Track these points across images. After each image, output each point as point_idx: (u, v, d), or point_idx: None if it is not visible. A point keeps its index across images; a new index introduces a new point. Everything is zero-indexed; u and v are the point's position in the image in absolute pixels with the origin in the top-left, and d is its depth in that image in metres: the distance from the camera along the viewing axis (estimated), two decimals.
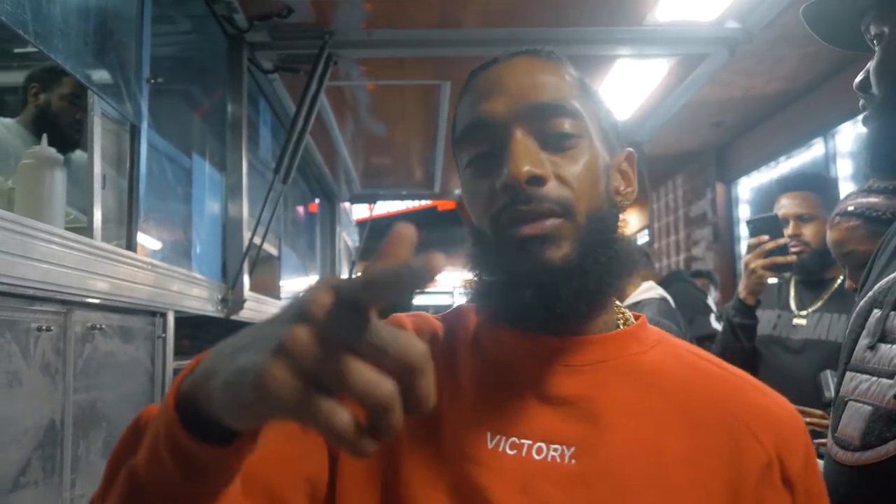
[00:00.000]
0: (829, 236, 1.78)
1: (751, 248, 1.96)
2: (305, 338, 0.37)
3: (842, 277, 2.09)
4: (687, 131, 4.30)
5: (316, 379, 0.37)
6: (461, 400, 0.70)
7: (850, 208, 1.73)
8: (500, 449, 0.66)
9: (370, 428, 0.37)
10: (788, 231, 2.11)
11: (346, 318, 0.38)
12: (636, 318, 0.76)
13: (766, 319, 2.17)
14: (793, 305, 2.15)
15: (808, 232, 2.10)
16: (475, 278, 0.72)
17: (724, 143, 4.62)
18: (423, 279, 0.36)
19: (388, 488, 0.66)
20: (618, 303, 0.76)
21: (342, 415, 0.37)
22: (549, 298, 0.65)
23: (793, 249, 2.06)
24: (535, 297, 0.65)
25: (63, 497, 1.33)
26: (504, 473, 0.64)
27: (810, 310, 2.08)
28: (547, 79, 0.71)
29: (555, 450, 0.65)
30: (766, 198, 4.05)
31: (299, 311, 0.39)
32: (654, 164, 4.75)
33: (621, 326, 0.75)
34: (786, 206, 2.16)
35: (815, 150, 3.83)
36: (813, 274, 2.10)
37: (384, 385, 0.37)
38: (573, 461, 0.64)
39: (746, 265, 1.97)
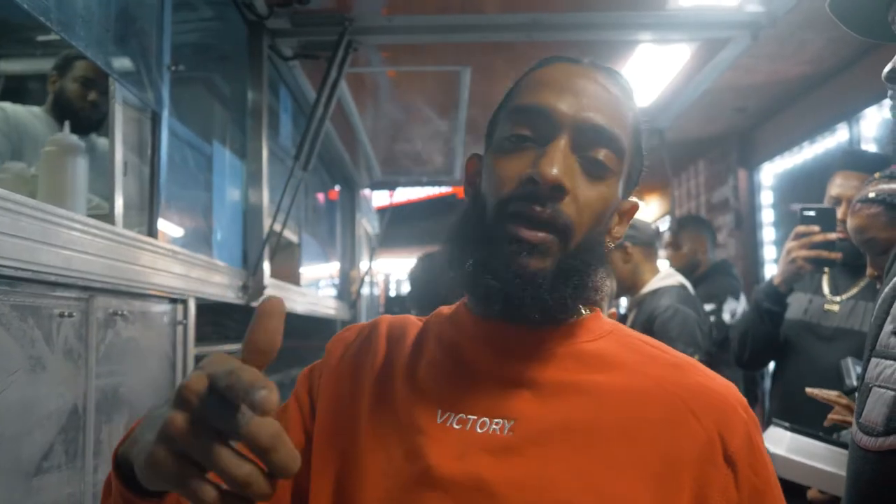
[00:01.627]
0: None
1: (797, 236, 1.89)
2: (180, 424, 0.47)
3: None
4: (709, 117, 4.24)
5: (191, 458, 0.47)
6: (416, 381, 0.78)
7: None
8: (448, 423, 0.72)
9: (238, 498, 0.47)
10: (839, 214, 2.04)
11: (216, 407, 0.46)
12: (591, 310, 0.81)
13: (796, 303, 2.11)
14: (826, 290, 2.08)
15: None
16: (456, 245, 0.76)
17: (747, 129, 4.56)
18: (256, 407, 0.44)
19: (345, 457, 0.76)
20: None
21: (209, 491, 0.46)
22: (512, 298, 0.71)
23: (839, 235, 2.00)
24: (500, 292, 0.71)
25: (86, 481, 1.35)
26: (446, 443, 0.71)
27: (845, 296, 2.02)
28: (615, 107, 0.74)
29: (496, 423, 0.71)
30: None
31: (178, 398, 0.47)
32: (676, 149, 4.69)
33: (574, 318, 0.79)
34: (842, 186, 2.04)
35: (839, 136, 3.76)
36: (853, 260, 1.99)
37: (242, 467, 0.46)
38: (511, 433, 0.70)
39: (788, 252, 1.91)
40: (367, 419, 0.77)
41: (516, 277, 0.69)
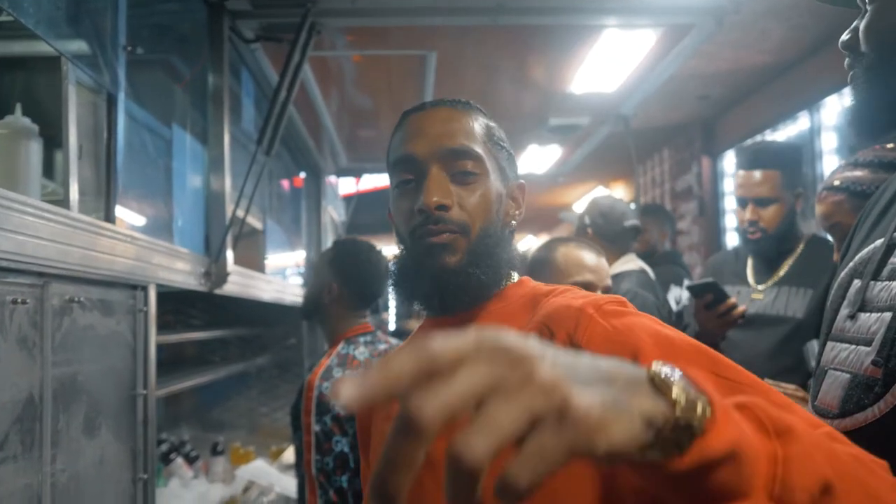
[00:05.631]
0: (817, 210, 1.79)
1: (699, 309, 1.94)
2: None
3: (799, 250, 2.10)
4: (673, 105, 4.28)
5: None
6: None
7: (837, 182, 1.74)
8: None
9: None
10: (746, 215, 2.10)
11: None
12: (516, 279, 0.98)
13: None
14: (750, 279, 2.17)
15: (766, 216, 2.08)
16: (398, 270, 0.96)
17: (711, 117, 4.61)
18: None
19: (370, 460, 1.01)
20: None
21: None
22: (443, 290, 0.90)
23: (750, 237, 2.08)
24: (433, 288, 0.91)
25: (43, 472, 1.32)
26: None
27: (768, 284, 2.10)
28: (459, 128, 0.94)
29: None
30: None
31: None
32: (641, 137, 4.73)
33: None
34: (745, 187, 2.11)
35: (800, 124, 3.82)
36: (770, 252, 2.11)
37: None
38: None
39: (703, 325, 1.95)
40: (377, 425, 0.99)
41: (441, 273, 0.89)
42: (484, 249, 0.91)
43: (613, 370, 0.46)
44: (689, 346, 0.73)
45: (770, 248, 2.10)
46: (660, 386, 0.47)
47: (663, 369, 0.48)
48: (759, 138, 4.17)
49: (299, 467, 2.08)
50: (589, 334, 0.77)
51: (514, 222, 1.00)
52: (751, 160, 2.12)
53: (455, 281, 0.89)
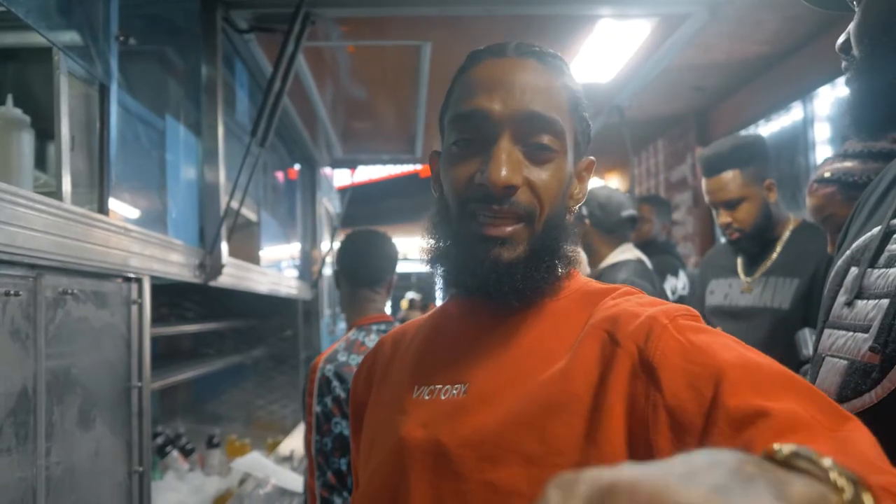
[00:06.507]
0: (808, 202, 1.80)
1: None
2: None
3: (786, 237, 2.12)
4: (668, 96, 4.28)
5: None
6: (406, 365, 0.88)
7: (827, 174, 1.74)
8: (420, 397, 0.81)
9: None
10: (719, 220, 2.14)
11: None
12: (567, 270, 0.84)
13: (718, 290, 2.24)
14: (740, 271, 2.20)
15: (738, 216, 2.10)
16: (434, 243, 0.84)
17: (705, 108, 4.61)
18: None
19: (361, 439, 0.91)
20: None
21: None
22: (493, 287, 0.77)
23: (730, 238, 2.13)
24: (482, 283, 0.77)
25: (38, 465, 1.31)
26: (416, 415, 0.79)
27: (756, 275, 2.12)
28: (545, 89, 0.78)
29: (455, 389, 0.78)
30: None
31: None
32: (636, 128, 4.73)
33: None
34: (710, 193, 2.14)
35: (794, 114, 3.83)
36: (755, 247, 2.14)
37: None
38: (465, 395, 0.77)
39: None
40: (373, 408, 0.90)
41: (492, 272, 0.76)
42: (548, 243, 0.78)
43: (742, 462, 0.34)
44: (779, 373, 0.62)
45: (751, 244, 2.13)
46: (809, 470, 0.37)
47: (800, 449, 0.38)
48: (752, 129, 4.18)
49: None
50: (662, 349, 0.67)
51: (575, 207, 0.85)
52: (709, 167, 2.15)
53: (509, 281, 0.76)
